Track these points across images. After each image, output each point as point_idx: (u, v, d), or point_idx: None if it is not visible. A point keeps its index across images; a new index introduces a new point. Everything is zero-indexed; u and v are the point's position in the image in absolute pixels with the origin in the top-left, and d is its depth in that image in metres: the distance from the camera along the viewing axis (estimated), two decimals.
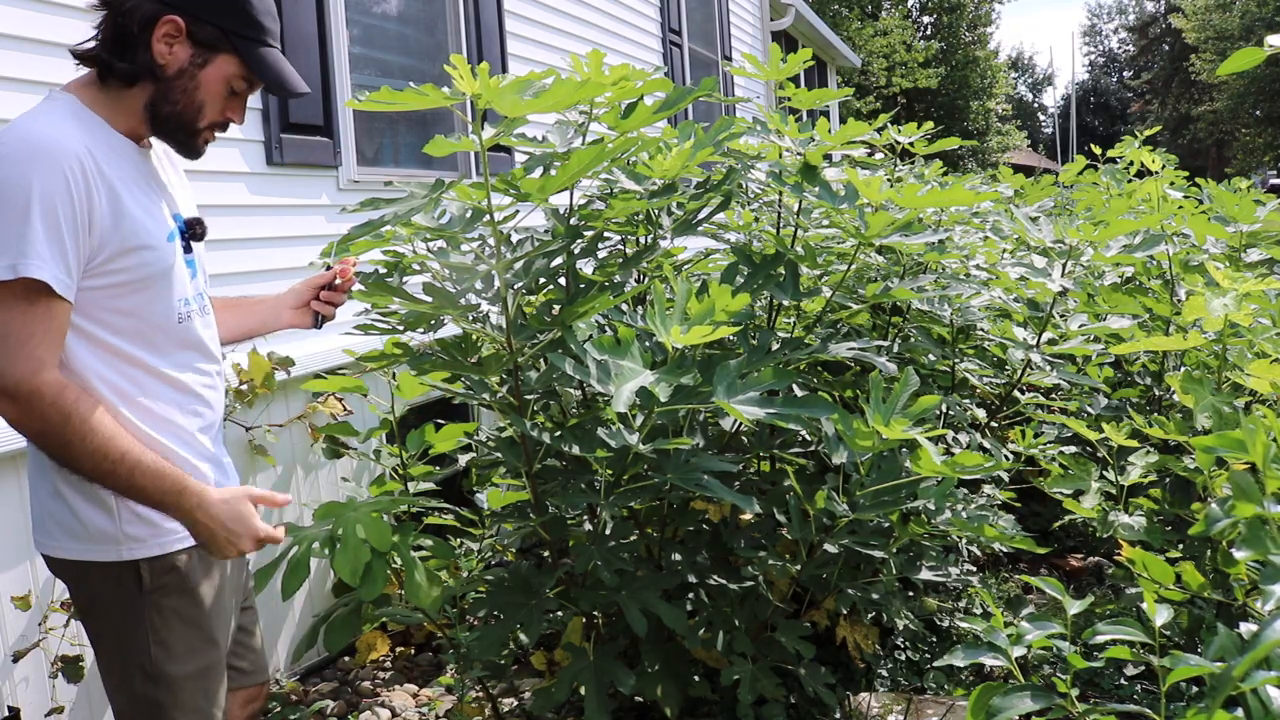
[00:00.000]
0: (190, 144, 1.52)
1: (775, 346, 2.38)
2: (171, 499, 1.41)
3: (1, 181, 1.31)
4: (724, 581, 2.49)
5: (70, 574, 1.53)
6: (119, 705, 1.54)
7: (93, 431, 1.35)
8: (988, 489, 3.08)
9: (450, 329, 2.45)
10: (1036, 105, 53.42)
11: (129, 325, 1.45)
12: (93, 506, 1.47)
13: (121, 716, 1.55)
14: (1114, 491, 2.79)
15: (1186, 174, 5.14)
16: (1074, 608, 1.65)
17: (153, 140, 1.55)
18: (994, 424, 3.17)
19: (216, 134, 1.55)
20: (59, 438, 1.35)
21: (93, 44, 1.45)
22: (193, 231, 1.56)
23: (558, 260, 2.20)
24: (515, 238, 2.50)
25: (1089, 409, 3.28)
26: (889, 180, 3.80)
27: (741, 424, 2.53)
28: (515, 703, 2.79)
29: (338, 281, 1.90)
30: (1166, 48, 43.95)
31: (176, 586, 1.51)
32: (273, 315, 1.88)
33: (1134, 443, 2.83)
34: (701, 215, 2.45)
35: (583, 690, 2.27)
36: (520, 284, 2.17)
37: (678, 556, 2.47)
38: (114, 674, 1.53)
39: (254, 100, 3.17)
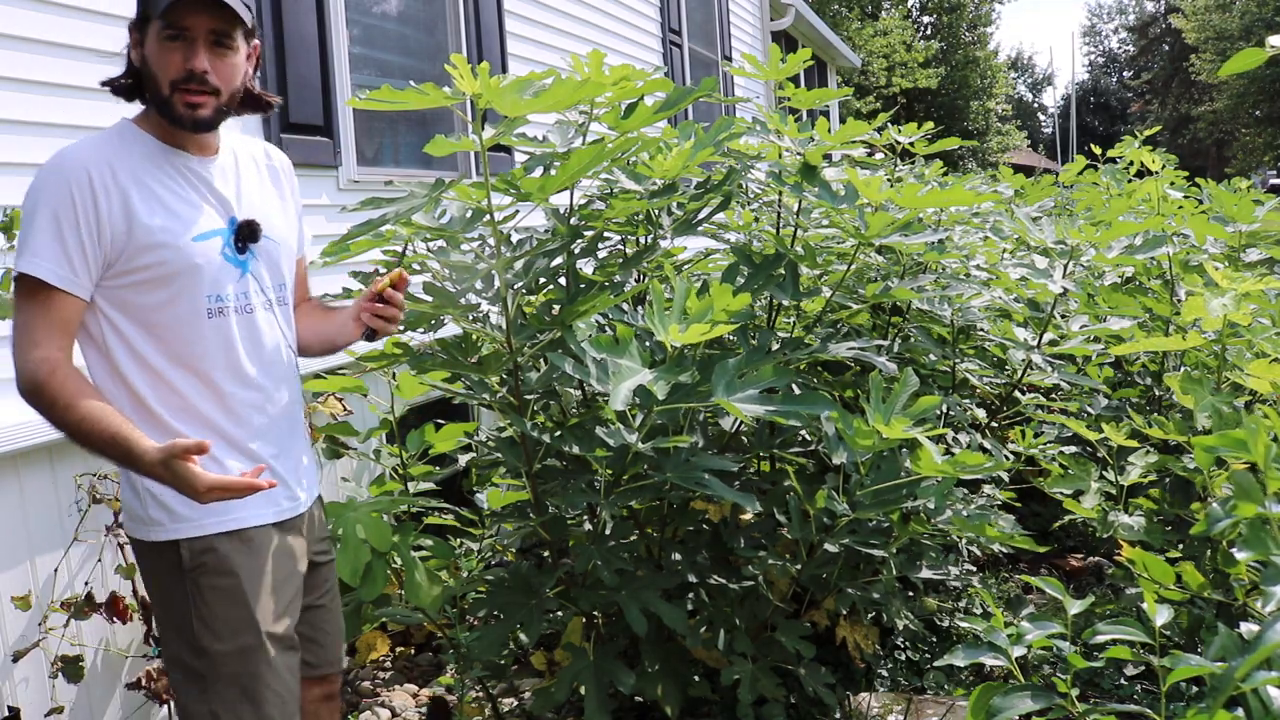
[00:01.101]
0: (170, 113, 1.58)
1: (775, 346, 2.39)
2: (123, 459, 1.50)
3: (28, 195, 1.53)
4: (724, 581, 2.49)
5: (135, 552, 1.68)
6: (172, 677, 1.66)
7: (60, 400, 1.49)
8: (988, 489, 3.08)
9: (450, 329, 2.45)
10: (1036, 105, 53.43)
11: (155, 319, 1.58)
12: (132, 491, 1.62)
13: (174, 687, 1.66)
14: (1114, 491, 2.79)
15: (1186, 174, 5.14)
16: (1074, 608, 1.65)
17: (236, 152, 1.71)
18: (994, 424, 3.17)
19: (195, 95, 1.57)
20: (50, 411, 1.50)
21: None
22: (244, 233, 1.65)
23: (558, 260, 2.20)
24: (516, 238, 2.50)
25: (1089, 409, 3.28)
26: (889, 180, 3.80)
27: (741, 424, 2.53)
28: (515, 703, 2.79)
29: (388, 291, 1.74)
30: (1166, 48, 43.96)
31: (215, 567, 1.61)
32: (344, 327, 1.84)
33: (1134, 443, 2.83)
34: (701, 215, 2.45)
35: (583, 690, 2.27)
36: (520, 284, 2.17)
37: (678, 556, 2.47)
38: (169, 646, 1.66)
39: None
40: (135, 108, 1.67)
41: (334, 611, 1.92)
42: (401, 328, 2.34)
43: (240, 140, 1.76)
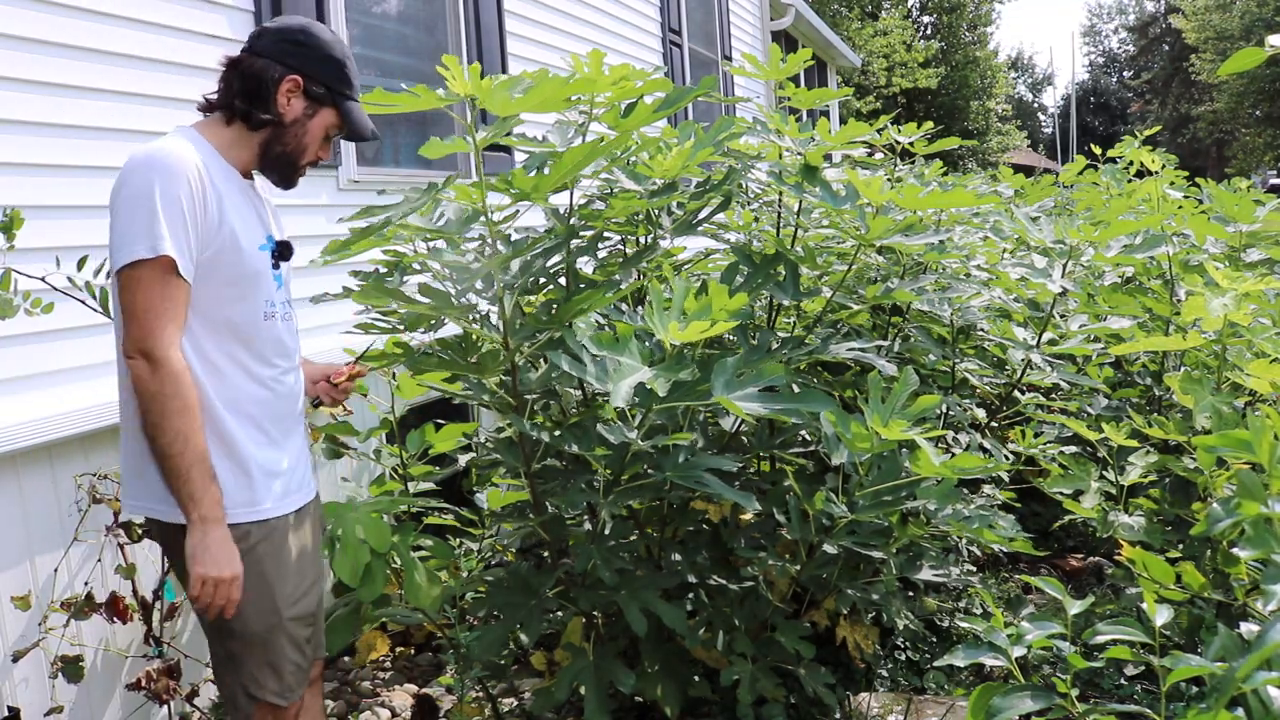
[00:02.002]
0: (291, 179, 1.86)
1: (775, 346, 2.38)
2: (203, 504, 1.63)
3: (132, 187, 1.62)
4: (724, 581, 2.48)
5: (158, 533, 1.81)
6: (213, 654, 1.85)
7: (186, 413, 1.61)
8: (988, 489, 3.08)
9: (451, 328, 2.45)
10: (1036, 105, 53.40)
11: (223, 315, 1.72)
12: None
13: (215, 664, 1.85)
14: (1114, 491, 2.79)
15: (1186, 174, 5.13)
16: (1074, 608, 1.65)
17: (254, 174, 1.88)
18: (994, 424, 3.17)
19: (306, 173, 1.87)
20: (164, 408, 1.60)
21: (219, 95, 1.80)
22: (281, 251, 1.85)
23: (556, 259, 2.20)
24: (516, 238, 2.50)
25: (1089, 409, 3.28)
26: (889, 180, 3.80)
27: (741, 424, 2.53)
28: (515, 703, 2.78)
29: (342, 381, 2.06)
30: (1166, 48, 43.94)
31: (245, 553, 1.73)
32: (307, 380, 2.07)
33: (1134, 443, 2.83)
34: (701, 215, 2.45)
35: (583, 690, 2.27)
36: (518, 283, 2.17)
37: (678, 556, 2.47)
38: (206, 628, 1.82)
39: None
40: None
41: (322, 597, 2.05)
42: (401, 327, 2.35)
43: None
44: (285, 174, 1.85)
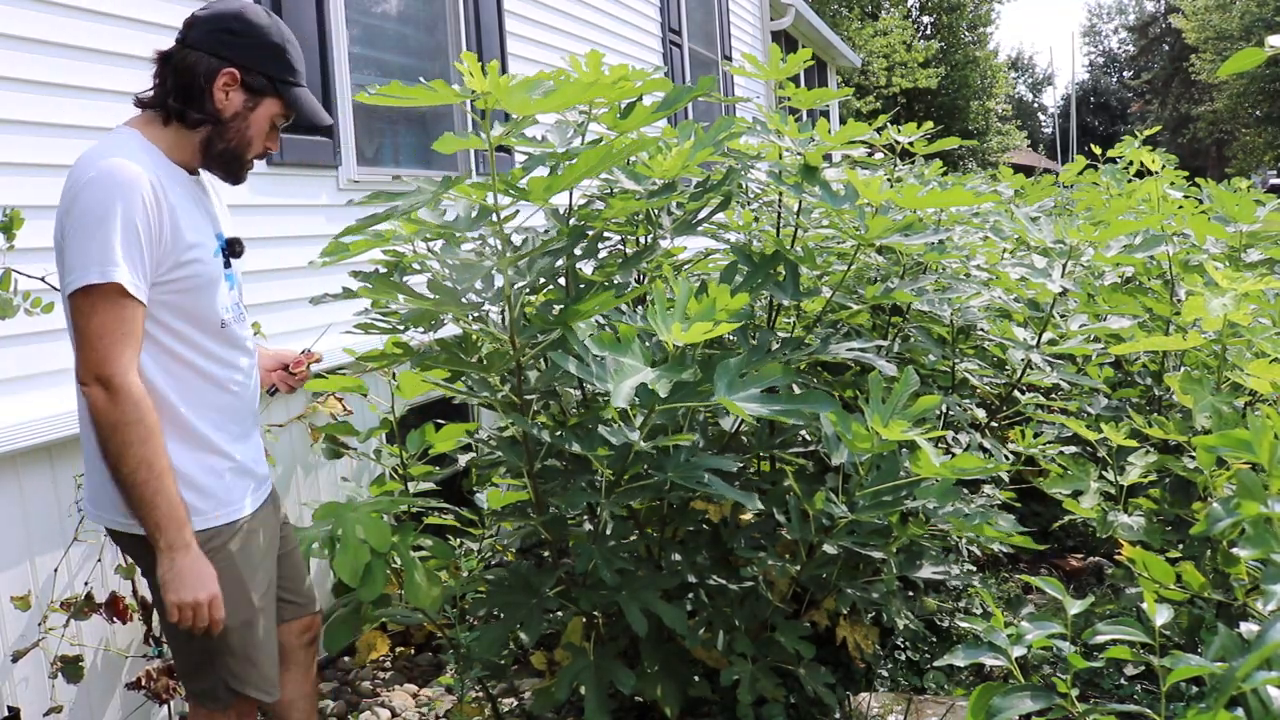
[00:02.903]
0: (238, 174, 1.80)
1: (775, 346, 2.38)
2: (169, 532, 1.62)
3: (91, 204, 1.56)
4: (724, 581, 2.48)
5: (124, 543, 1.80)
6: (183, 655, 1.84)
7: (148, 440, 1.58)
8: (988, 489, 3.08)
9: (449, 329, 2.45)
10: (1036, 105, 53.39)
11: (181, 327, 1.70)
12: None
13: (184, 665, 1.84)
14: (1113, 491, 2.79)
15: (1186, 174, 5.13)
16: (1074, 608, 1.65)
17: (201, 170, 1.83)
18: (994, 424, 3.17)
19: (255, 163, 1.82)
20: (125, 438, 1.58)
21: (154, 93, 1.73)
22: (231, 250, 1.81)
23: (559, 260, 2.20)
24: (517, 238, 2.50)
25: (1089, 409, 3.28)
26: (889, 180, 3.80)
27: (741, 424, 2.53)
28: (515, 703, 2.78)
29: (301, 371, 2.10)
30: (1166, 48, 43.94)
31: (218, 551, 1.76)
32: (261, 370, 2.08)
33: (1134, 443, 2.83)
34: (701, 215, 2.45)
35: (583, 690, 2.27)
36: (523, 283, 2.17)
37: (678, 556, 2.47)
38: (171, 626, 1.76)
39: None
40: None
41: (297, 555, 2.14)
42: (401, 326, 2.35)
43: None
44: (230, 170, 1.79)
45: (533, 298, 2.50)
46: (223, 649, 1.82)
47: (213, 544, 1.77)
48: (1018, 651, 1.57)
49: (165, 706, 2.59)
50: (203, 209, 1.77)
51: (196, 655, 1.83)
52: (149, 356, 1.68)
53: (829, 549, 2.43)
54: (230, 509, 1.81)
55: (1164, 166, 4.27)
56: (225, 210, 1.90)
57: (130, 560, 2.56)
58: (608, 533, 2.37)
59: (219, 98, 1.71)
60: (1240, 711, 1.22)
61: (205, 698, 1.86)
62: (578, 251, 2.30)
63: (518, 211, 2.13)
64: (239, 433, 1.83)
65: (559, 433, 2.16)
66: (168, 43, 1.79)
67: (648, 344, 2.00)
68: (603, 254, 2.77)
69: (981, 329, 3.15)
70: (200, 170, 1.82)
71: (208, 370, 1.76)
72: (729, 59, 8.82)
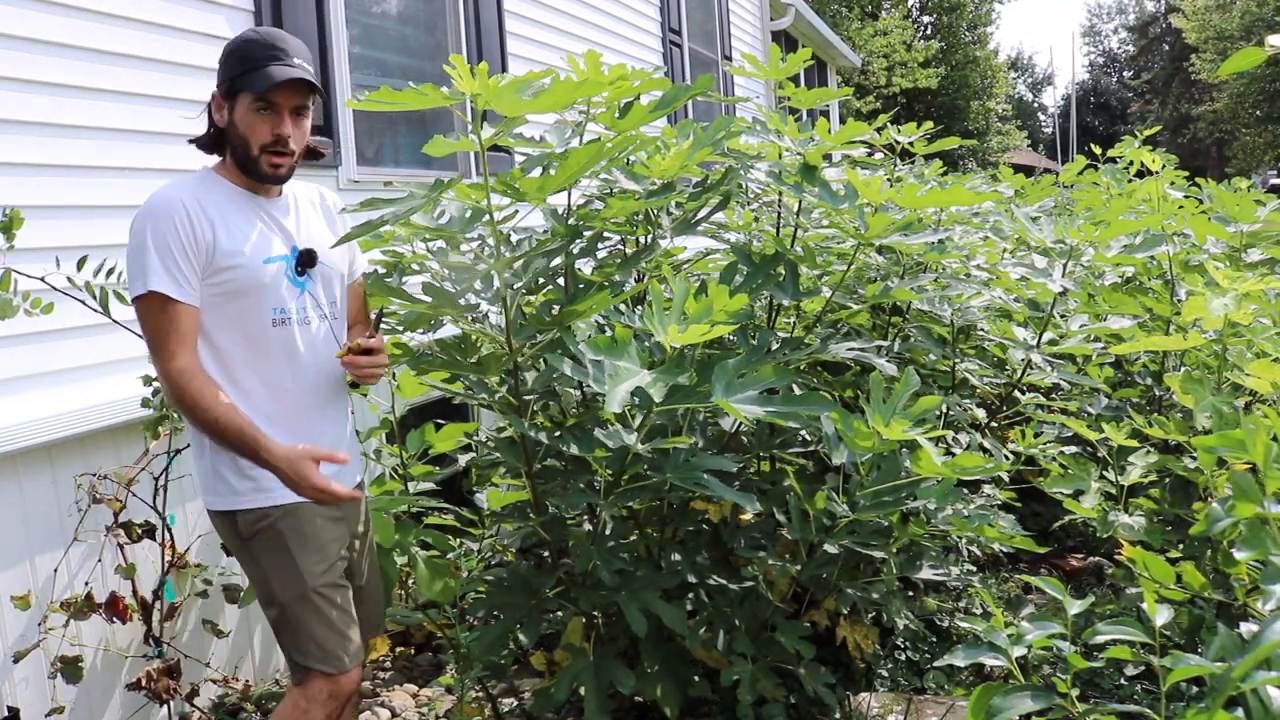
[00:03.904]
0: (255, 171, 1.92)
1: (775, 346, 2.38)
2: (249, 453, 1.83)
3: (132, 233, 1.85)
4: (724, 581, 2.48)
5: (214, 521, 2.00)
6: (270, 621, 2.01)
7: (200, 404, 1.82)
8: (988, 489, 3.07)
9: (449, 330, 2.45)
10: (1036, 105, 53.37)
11: (231, 325, 1.90)
12: (203, 468, 1.95)
13: (273, 629, 2.02)
14: (1114, 491, 2.79)
15: (1186, 174, 5.13)
16: (1074, 608, 1.65)
17: (296, 193, 2.05)
18: (994, 424, 3.17)
19: (279, 156, 1.92)
20: (184, 408, 1.84)
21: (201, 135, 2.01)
22: (303, 259, 1.98)
23: (556, 260, 2.20)
24: (514, 238, 2.50)
25: (1089, 409, 3.28)
26: (889, 180, 3.80)
27: (741, 424, 2.53)
28: (515, 703, 2.78)
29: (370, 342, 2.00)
30: (1166, 48, 43.92)
31: (266, 529, 1.93)
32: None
33: (1134, 443, 2.82)
34: (700, 215, 2.45)
35: (583, 690, 2.27)
36: (520, 284, 2.16)
37: (678, 556, 2.46)
38: (258, 598, 2.01)
39: None
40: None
41: (371, 581, 2.21)
42: (401, 328, 2.35)
43: (300, 184, 2.09)
44: (251, 169, 1.93)
45: (531, 298, 2.50)
46: (281, 624, 1.96)
47: (260, 524, 1.92)
48: (1018, 651, 1.57)
49: (165, 707, 2.59)
50: (262, 222, 1.95)
51: (271, 624, 2.00)
52: (206, 352, 1.89)
53: (829, 549, 2.43)
54: (270, 494, 1.91)
55: (1164, 166, 4.27)
56: (314, 225, 2.05)
57: (130, 562, 2.56)
58: (607, 533, 2.37)
59: (216, 120, 1.96)
60: (1240, 711, 1.22)
61: (290, 669, 2.02)
62: (575, 251, 2.30)
63: (516, 212, 2.13)
64: (287, 428, 1.92)
65: (557, 434, 2.16)
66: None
67: (645, 345, 2.00)
68: (602, 254, 2.77)
69: (981, 329, 3.15)
70: (295, 192, 2.04)
71: (255, 367, 1.92)
72: (729, 59, 8.82)
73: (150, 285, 1.82)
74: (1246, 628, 1.55)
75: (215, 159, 2.01)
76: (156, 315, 1.83)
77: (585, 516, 2.66)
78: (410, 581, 2.94)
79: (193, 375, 1.84)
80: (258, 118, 1.89)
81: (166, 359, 1.84)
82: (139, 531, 2.51)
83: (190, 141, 2.01)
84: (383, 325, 2.37)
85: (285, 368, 1.95)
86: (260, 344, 1.93)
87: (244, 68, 1.89)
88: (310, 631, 1.95)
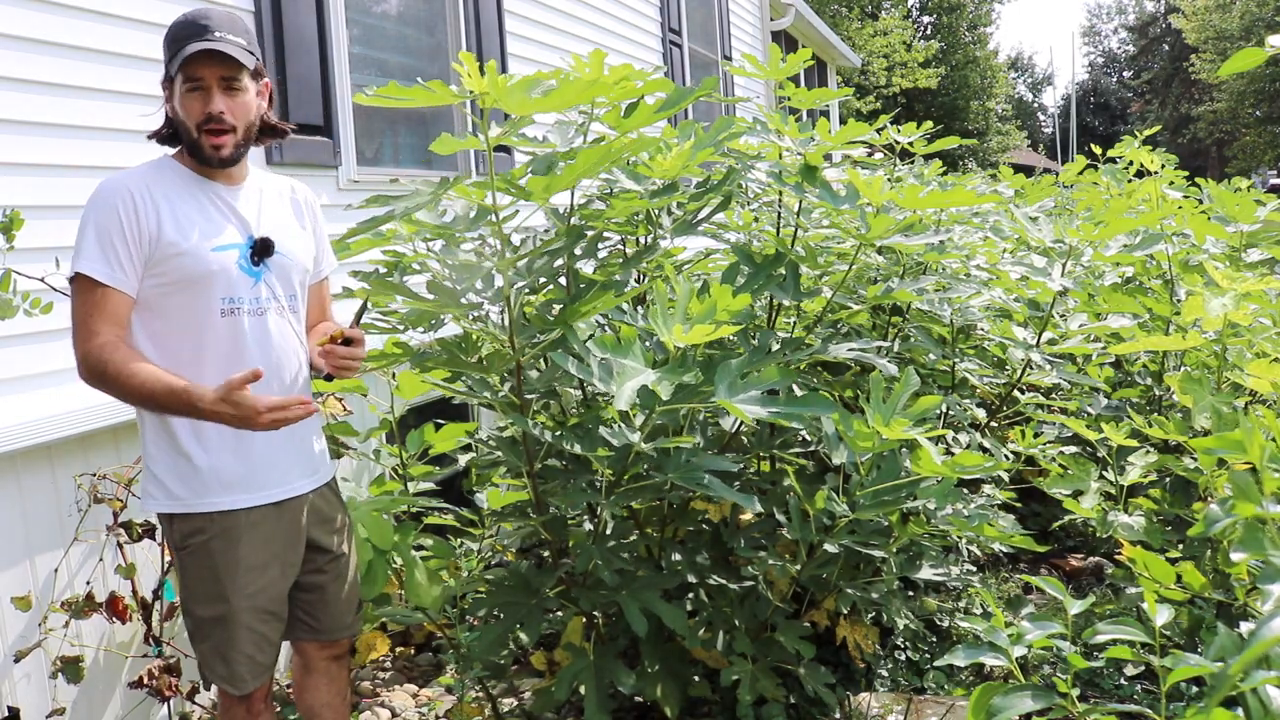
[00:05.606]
0: (200, 153, 1.89)
1: (776, 346, 2.38)
2: (185, 408, 1.77)
3: (82, 216, 1.83)
4: (724, 581, 2.48)
5: (158, 518, 2.02)
6: (186, 625, 1.97)
7: (124, 371, 1.76)
8: (988, 489, 3.08)
9: (449, 329, 2.45)
10: (1036, 105, 53.34)
11: (177, 315, 1.85)
12: (144, 467, 1.91)
13: (188, 633, 1.98)
14: (1114, 491, 2.79)
15: (1186, 174, 5.13)
16: (1074, 608, 1.65)
17: (263, 184, 2.00)
18: (994, 424, 3.17)
19: (217, 134, 1.87)
20: (106, 383, 1.78)
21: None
22: (259, 248, 1.92)
23: (559, 260, 2.20)
24: (516, 238, 2.50)
25: (1089, 409, 3.28)
26: (889, 180, 3.80)
27: (742, 424, 2.53)
28: (515, 703, 2.78)
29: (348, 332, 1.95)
30: (1166, 48, 43.93)
31: (198, 545, 1.88)
32: (310, 354, 2.08)
33: (1134, 443, 2.83)
34: (702, 215, 2.45)
35: (583, 690, 2.27)
36: (523, 283, 2.17)
37: (678, 556, 2.47)
38: (179, 600, 1.98)
39: None
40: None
41: (334, 587, 2.11)
42: (401, 326, 2.35)
43: (269, 175, 2.05)
44: (197, 153, 1.89)
45: (533, 298, 2.50)
46: (194, 634, 1.94)
47: (192, 539, 1.87)
48: (1018, 651, 1.57)
49: (166, 704, 2.59)
50: (221, 212, 1.91)
51: (188, 634, 1.96)
52: (149, 341, 1.84)
53: (829, 548, 2.43)
54: (206, 500, 1.86)
55: (1164, 166, 4.27)
56: (278, 216, 2.00)
57: (130, 561, 2.56)
58: (608, 533, 2.38)
59: (167, 110, 1.94)
60: (1239, 711, 1.22)
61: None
62: (577, 251, 2.30)
63: (517, 211, 2.13)
64: (230, 432, 1.84)
65: (559, 433, 2.16)
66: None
67: (648, 344, 2.00)
68: (603, 254, 2.77)
69: (981, 329, 3.16)
70: (260, 182, 2.00)
71: (207, 357, 1.85)
72: (729, 59, 8.82)
73: (79, 267, 1.79)
74: (1246, 627, 1.55)
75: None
76: (84, 297, 1.79)
77: (586, 516, 2.66)
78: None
79: (115, 346, 1.78)
80: (190, 98, 1.86)
81: (87, 337, 1.79)
82: (139, 531, 2.51)
83: (149, 137, 1.97)
84: (382, 325, 2.37)
85: (236, 358, 1.87)
86: (209, 334, 1.86)
87: (172, 51, 1.86)
88: (221, 650, 1.91)
